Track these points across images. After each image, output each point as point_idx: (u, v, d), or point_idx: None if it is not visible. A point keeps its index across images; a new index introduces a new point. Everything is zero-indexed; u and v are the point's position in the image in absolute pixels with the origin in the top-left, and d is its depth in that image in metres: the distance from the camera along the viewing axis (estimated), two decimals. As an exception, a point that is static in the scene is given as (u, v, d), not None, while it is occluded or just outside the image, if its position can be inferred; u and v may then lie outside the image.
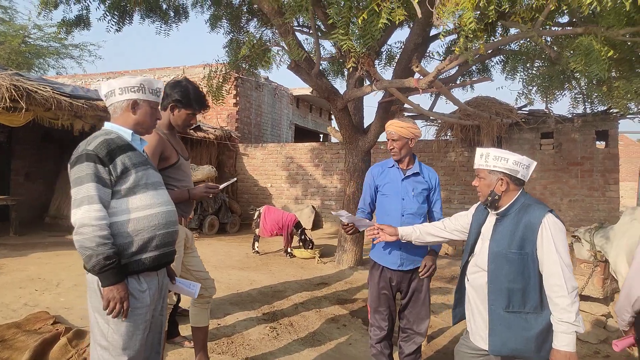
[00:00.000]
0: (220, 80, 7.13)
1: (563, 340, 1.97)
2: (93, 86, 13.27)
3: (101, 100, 7.57)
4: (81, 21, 6.84)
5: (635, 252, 2.45)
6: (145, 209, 2.01)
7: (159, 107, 2.27)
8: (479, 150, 2.31)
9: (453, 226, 2.56)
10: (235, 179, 3.61)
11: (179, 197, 2.69)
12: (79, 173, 1.91)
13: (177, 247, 2.86)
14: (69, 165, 1.99)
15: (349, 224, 2.78)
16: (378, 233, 2.69)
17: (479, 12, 3.34)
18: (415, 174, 2.89)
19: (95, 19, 6.54)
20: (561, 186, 7.60)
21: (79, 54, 16.44)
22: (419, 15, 3.10)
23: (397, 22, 3.38)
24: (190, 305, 3.19)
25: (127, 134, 2.08)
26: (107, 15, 6.08)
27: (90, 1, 6.21)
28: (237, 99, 12.43)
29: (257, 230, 7.50)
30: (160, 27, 7.35)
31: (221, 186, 2.83)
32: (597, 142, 7.63)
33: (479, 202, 2.40)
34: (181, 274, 3.02)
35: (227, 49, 7.50)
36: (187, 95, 2.79)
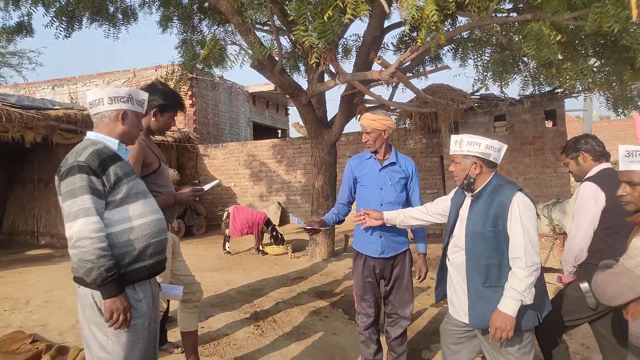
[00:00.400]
0: (177, 82, 7.02)
1: (507, 303, 2.12)
2: (38, 95, 12.65)
3: (52, 109, 7.31)
4: (22, 28, 6.53)
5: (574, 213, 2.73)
6: (138, 218, 2.01)
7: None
8: (453, 137, 2.43)
9: (434, 210, 2.69)
10: (217, 181, 3.57)
11: (166, 202, 2.68)
12: (71, 185, 1.88)
13: (166, 253, 2.85)
14: (56, 178, 1.96)
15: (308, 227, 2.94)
16: (364, 219, 2.79)
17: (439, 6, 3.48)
18: (392, 164, 3.00)
19: (41, 26, 6.21)
20: (516, 165, 7.99)
21: (18, 61, 15.62)
22: (387, 11, 3.20)
23: (360, 17, 3.46)
24: (178, 311, 3.17)
25: (113, 143, 2.06)
26: (54, 21, 5.83)
27: (34, 8, 5.92)
28: (194, 99, 12.21)
29: (226, 231, 7.46)
30: (109, 30, 7.12)
31: (206, 187, 2.84)
32: (546, 122, 8.07)
33: (457, 187, 2.53)
34: (170, 280, 3.01)
35: (180, 49, 7.36)
36: (168, 99, 2.80)
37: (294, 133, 11.32)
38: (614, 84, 5.27)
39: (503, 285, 2.20)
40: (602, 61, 5.17)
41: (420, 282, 3.06)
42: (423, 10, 3.11)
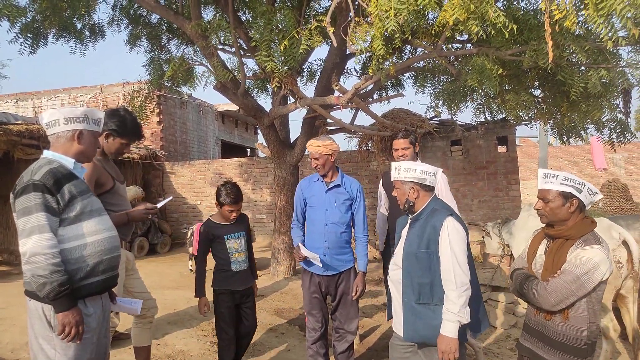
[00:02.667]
0: (143, 100, 7.10)
1: (447, 327, 2.30)
2: (0, 109, 12.41)
3: (14, 124, 7.25)
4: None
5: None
6: (91, 235, 2.11)
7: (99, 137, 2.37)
8: (393, 164, 2.66)
9: None
10: (171, 197, 3.66)
11: (118, 221, 2.74)
12: (26, 203, 1.96)
13: (122, 268, 2.93)
14: (12, 196, 2.04)
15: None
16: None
17: (387, 36, 3.75)
18: (337, 186, 3.20)
19: (5, 42, 6.20)
20: (471, 188, 8.37)
21: (-20, 74, 15.26)
22: (335, 44, 3.44)
23: (315, 47, 3.70)
24: (132, 326, 3.24)
25: (69, 162, 2.14)
26: (19, 37, 5.86)
27: (-3, 23, 5.93)
28: (161, 117, 12.23)
29: (190, 249, 7.48)
30: (75, 46, 7.15)
31: (159, 205, 2.92)
32: (500, 147, 8.52)
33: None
34: (123, 297, 3.08)
35: (148, 67, 7.45)
36: (123, 126, 2.88)
37: (263, 153, 11.43)
38: (554, 114, 5.68)
39: (435, 303, 2.39)
40: (545, 93, 5.58)
41: (355, 299, 3.20)
42: (371, 45, 3.36)
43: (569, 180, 2.17)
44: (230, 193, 3.17)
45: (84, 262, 2.07)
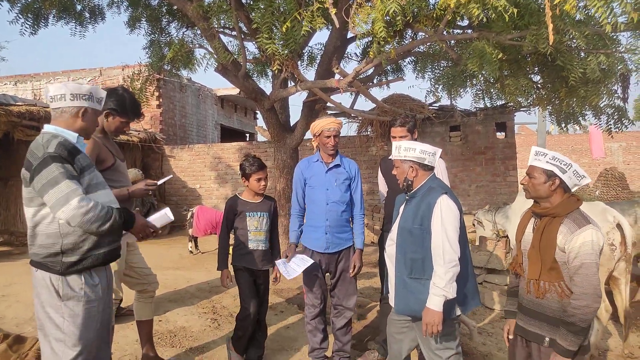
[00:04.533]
0: (143, 82, 7.10)
1: (432, 300, 2.37)
2: (0, 91, 12.38)
3: (14, 105, 7.26)
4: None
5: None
6: None
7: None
8: (394, 144, 2.72)
9: None
10: (170, 175, 3.71)
11: (119, 195, 2.77)
12: (51, 175, 1.99)
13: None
14: (27, 173, 2.05)
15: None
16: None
17: (388, 19, 3.77)
18: (337, 166, 3.26)
19: (6, 22, 6.18)
20: (469, 174, 8.44)
21: (-22, 55, 15.18)
22: (337, 26, 3.46)
23: (317, 29, 3.72)
24: (134, 301, 3.32)
25: (72, 137, 2.18)
26: (19, 17, 5.85)
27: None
28: (160, 100, 12.22)
29: (190, 230, 7.57)
30: (75, 28, 7.12)
31: (159, 182, 2.97)
32: (498, 133, 8.56)
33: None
34: (125, 272, 3.15)
35: (148, 50, 7.42)
36: (122, 104, 2.90)
37: (262, 137, 11.47)
38: (554, 100, 5.71)
39: (426, 278, 2.46)
40: (544, 78, 5.60)
41: (352, 277, 3.27)
42: (373, 27, 3.38)
43: (556, 160, 2.23)
44: (254, 162, 3.28)
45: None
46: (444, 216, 2.43)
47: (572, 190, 2.28)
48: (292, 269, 3.13)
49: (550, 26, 2.97)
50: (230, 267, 3.40)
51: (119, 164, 2.96)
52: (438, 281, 2.37)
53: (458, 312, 2.53)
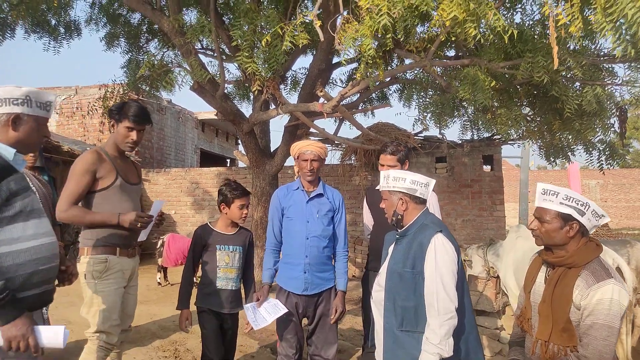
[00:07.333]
0: (118, 101, 6.73)
1: (425, 359, 1.99)
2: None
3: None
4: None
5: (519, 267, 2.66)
6: (28, 240, 1.75)
7: (47, 123, 2.00)
8: (382, 173, 2.38)
9: None
10: (163, 202, 3.01)
11: (107, 220, 2.46)
12: None
13: (122, 280, 2.67)
14: None
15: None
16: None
17: (377, 41, 3.51)
18: (319, 195, 2.89)
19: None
20: (455, 207, 8.17)
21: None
22: (322, 39, 3.17)
23: (300, 46, 3.42)
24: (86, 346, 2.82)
25: (8, 152, 1.77)
26: (-19, 26, 5.46)
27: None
28: (137, 121, 11.79)
29: (159, 260, 7.08)
30: (49, 43, 6.78)
31: (154, 215, 2.65)
32: (485, 166, 8.37)
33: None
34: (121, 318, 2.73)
35: (125, 69, 7.10)
36: (119, 107, 2.62)
37: (242, 163, 11.06)
38: (545, 133, 5.51)
39: (419, 330, 2.08)
40: (535, 110, 5.42)
41: (333, 322, 2.87)
42: (361, 45, 3.10)
43: (571, 199, 1.88)
44: (237, 187, 2.91)
45: (16, 272, 1.71)
46: (439, 258, 2.06)
47: (590, 232, 1.95)
48: (261, 316, 2.71)
49: (555, 49, 2.73)
50: (194, 307, 2.96)
51: (123, 185, 2.61)
52: (431, 336, 1.99)
53: None
